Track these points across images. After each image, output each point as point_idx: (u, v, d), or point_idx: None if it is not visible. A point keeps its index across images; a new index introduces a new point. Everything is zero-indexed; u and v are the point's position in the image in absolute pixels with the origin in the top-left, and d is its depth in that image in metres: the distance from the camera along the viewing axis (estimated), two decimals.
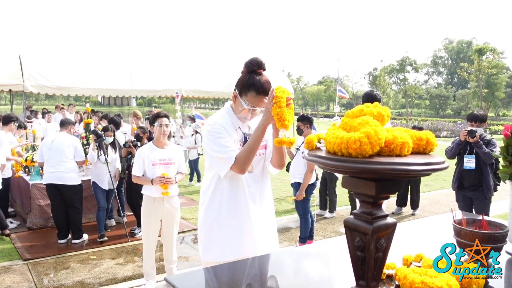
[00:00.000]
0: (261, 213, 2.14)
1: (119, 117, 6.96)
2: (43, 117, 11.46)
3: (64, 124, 5.54)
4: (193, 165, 9.31)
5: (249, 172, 2.10)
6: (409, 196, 7.25)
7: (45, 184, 5.30)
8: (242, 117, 2.11)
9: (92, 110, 10.64)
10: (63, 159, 5.17)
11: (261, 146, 2.09)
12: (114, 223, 6.12)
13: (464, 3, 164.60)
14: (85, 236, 5.44)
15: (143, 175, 3.92)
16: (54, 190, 5.21)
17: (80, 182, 5.37)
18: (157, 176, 3.83)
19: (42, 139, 9.37)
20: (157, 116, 3.97)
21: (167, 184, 3.86)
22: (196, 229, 5.92)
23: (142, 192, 4.02)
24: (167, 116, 3.99)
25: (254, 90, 2.00)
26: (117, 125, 6.48)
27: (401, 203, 7.23)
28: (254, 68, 2.03)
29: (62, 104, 12.96)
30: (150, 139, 5.72)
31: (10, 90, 9.83)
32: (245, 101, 2.03)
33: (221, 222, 2.09)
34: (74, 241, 5.33)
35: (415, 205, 7.16)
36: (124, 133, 7.01)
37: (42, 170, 5.85)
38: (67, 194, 5.21)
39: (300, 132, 5.37)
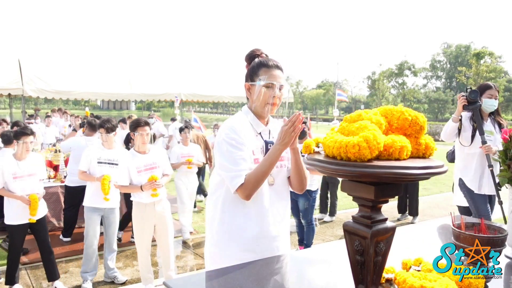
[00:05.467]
0: (281, 231, 1.95)
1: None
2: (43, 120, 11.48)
3: (95, 128, 5.66)
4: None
5: (271, 185, 1.90)
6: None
7: (76, 186, 5.31)
8: (262, 110, 1.88)
9: (91, 114, 10.64)
10: None
11: (282, 156, 1.90)
12: None
13: (462, 8, 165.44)
14: None
15: (130, 184, 3.86)
16: (80, 191, 5.27)
17: None
18: (147, 182, 3.78)
19: (42, 144, 9.38)
20: (138, 125, 3.89)
21: (156, 188, 3.83)
22: (195, 233, 5.96)
23: (131, 199, 4.00)
24: (148, 124, 3.95)
25: (263, 66, 1.86)
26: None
27: (404, 209, 7.13)
28: (254, 53, 1.94)
29: (64, 109, 12.95)
30: None
31: (9, 94, 9.84)
32: (260, 79, 1.85)
33: (240, 245, 1.86)
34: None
35: (413, 212, 6.97)
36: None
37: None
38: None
39: (303, 135, 4.96)
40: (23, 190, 3.86)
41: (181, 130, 6.20)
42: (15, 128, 6.80)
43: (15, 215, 3.87)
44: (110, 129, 4.23)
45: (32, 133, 3.96)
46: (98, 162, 4.20)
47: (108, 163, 4.23)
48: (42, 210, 4.03)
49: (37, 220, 3.94)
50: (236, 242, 1.86)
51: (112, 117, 5.17)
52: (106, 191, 4.11)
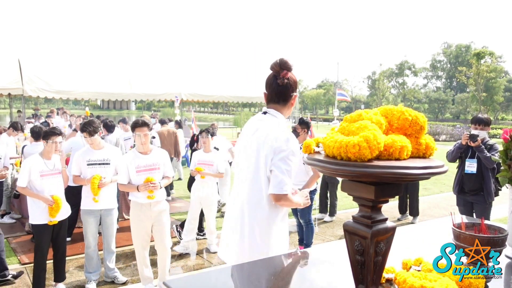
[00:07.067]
0: None
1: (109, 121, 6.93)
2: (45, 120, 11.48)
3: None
4: None
5: None
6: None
7: (77, 186, 5.10)
8: (289, 114, 2.26)
9: (92, 114, 10.63)
10: None
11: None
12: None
13: (462, 8, 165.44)
14: None
15: (128, 183, 3.84)
16: (81, 191, 5.21)
17: None
18: (143, 182, 3.76)
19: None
20: (135, 126, 3.88)
21: (153, 190, 3.79)
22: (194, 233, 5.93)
23: (129, 198, 4.00)
24: (147, 125, 3.86)
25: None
26: (110, 129, 6.51)
27: (404, 209, 7.12)
28: (291, 67, 2.16)
29: (61, 108, 12.95)
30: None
31: (9, 94, 9.84)
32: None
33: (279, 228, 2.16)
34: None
35: (414, 212, 6.99)
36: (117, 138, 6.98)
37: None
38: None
39: (296, 135, 5.23)
40: (49, 190, 3.85)
41: (200, 133, 5.66)
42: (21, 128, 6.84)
43: (40, 215, 3.84)
44: (93, 131, 4.10)
45: (61, 133, 3.98)
46: (88, 164, 4.12)
47: (99, 164, 4.15)
48: (66, 211, 4.02)
49: (61, 221, 3.94)
50: (281, 246, 2.13)
51: (95, 118, 5.07)
52: (95, 191, 4.03)
